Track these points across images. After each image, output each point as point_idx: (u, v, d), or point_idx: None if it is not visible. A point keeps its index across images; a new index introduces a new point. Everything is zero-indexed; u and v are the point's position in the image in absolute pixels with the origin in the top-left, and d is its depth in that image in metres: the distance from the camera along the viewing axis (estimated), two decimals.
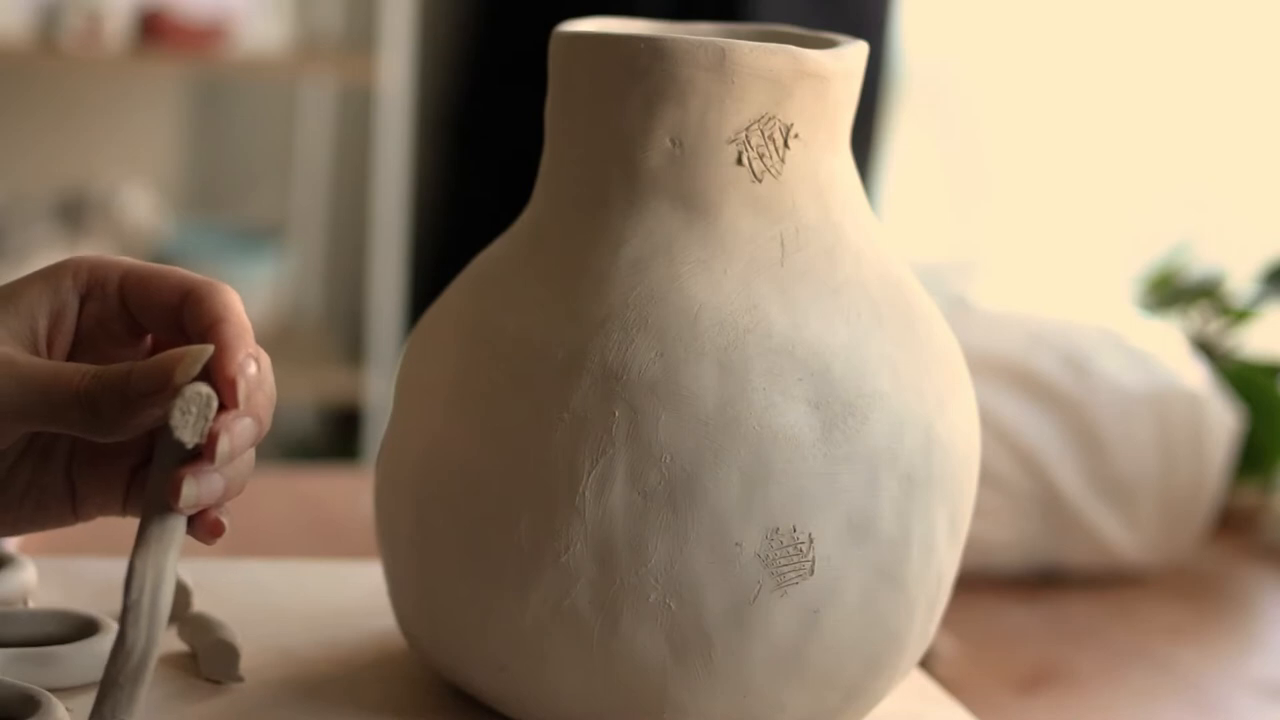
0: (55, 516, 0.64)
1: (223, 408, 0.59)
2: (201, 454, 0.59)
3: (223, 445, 0.58)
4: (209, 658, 0.71)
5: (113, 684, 0.58)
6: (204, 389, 0.58)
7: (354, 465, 2.38)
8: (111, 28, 2.47)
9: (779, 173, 0.68)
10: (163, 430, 0.59)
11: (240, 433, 0.59)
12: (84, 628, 0.71)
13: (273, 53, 2.63)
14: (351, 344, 2.74)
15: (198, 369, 0.59)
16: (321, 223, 2.85)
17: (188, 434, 0.58)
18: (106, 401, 0.59)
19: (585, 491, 0.64)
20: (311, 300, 2.87)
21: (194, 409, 0.58)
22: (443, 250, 2.69)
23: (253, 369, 0.60)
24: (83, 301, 0.63)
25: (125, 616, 0.58)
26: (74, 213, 2.57)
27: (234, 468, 0.60)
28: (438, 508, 0.67)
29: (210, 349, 0.59)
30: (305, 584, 0.83)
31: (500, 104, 2.59)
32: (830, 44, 0.70)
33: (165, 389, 0.58)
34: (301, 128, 2.81)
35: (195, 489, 0.58)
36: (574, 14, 0.76)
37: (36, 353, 0.62)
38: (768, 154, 0.68)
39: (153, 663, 0.58)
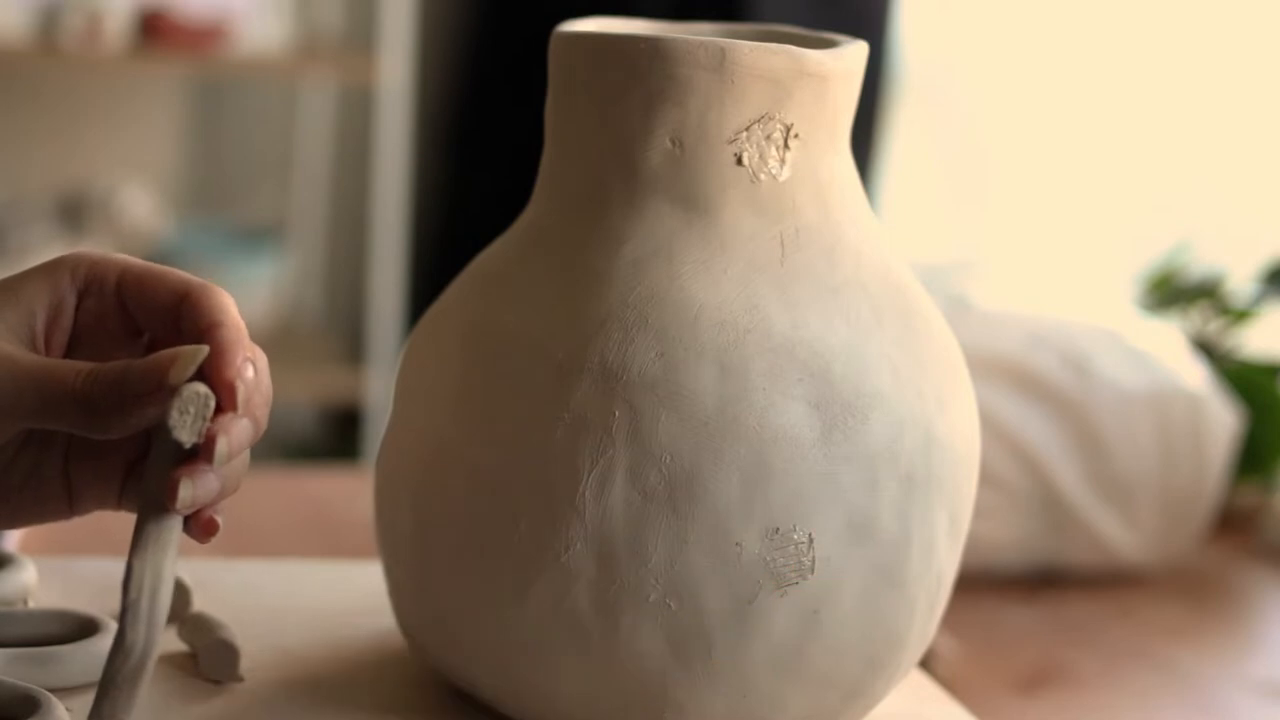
0: (52, 510, 0.64)
1: (220, 409, 0.59)
2: (197, 453, 0.59)
3: (221, 446, 0.59)
4: (209, 658, 0.71)
5: (111, 683, 0.58)
6: (202, 389, 0.58)
7: (354, 465, 2.38)
8: (111, 28, 2.47)
9: (779, 173, 0.68)
10: (159, 429, 0.59)
11: (238, 434, 0.59)
12: (84, 628, 0.71)
13: (273, 53, 2.63)
14: (351, 344, 2.74)
15: (192, 370, 0.59)
16: (321, 223, 2.85)
17: (185, 434, 0.58)
18: (102, 400, 0.59)
19: (585, 491, 0.64)
20: (311, 300, 2.86)
21: (192, 409, 0.58)
22: (443, 250, 2.69)
23: (250, 372, 0.60)
24: (80, 298, 0.63)
25: (124, 616, 0.58)
26: (74, 213, 2.57)
27: (230, 468, 0.60)
28: (438, 508, 0.67)
29: (205, 350, 0.59)
30: (305, 584, 0.83)
31: (500, 104, 2.59)
32: (830, 44, 0.70)
33: (160, 389, 0.59)
34: (301, 128, 2.81)
35: (191, 490, 0.59)
36: (574, 14, 0.76)
37: (34, 348, 0.62)
38: (768, 154, 0.68)
39: (152, 663, 0.58)
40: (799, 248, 0.68)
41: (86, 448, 0.64)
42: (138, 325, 0.64)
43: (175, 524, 0.59)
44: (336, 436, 2.78)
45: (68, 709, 0.65)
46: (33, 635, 0.71)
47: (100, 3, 2.47)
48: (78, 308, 0.63)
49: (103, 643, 0.69)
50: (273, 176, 2.84)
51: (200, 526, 0.60)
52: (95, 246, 2.49)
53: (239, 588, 0.81)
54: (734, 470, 0.64)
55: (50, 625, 0.72)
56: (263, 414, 0.61)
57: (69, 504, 0.65)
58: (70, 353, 0.64)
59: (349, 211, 2.77)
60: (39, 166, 2.72)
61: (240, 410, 0.59)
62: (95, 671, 0.68)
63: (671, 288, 0.66)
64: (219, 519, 0.61)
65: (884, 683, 0.69)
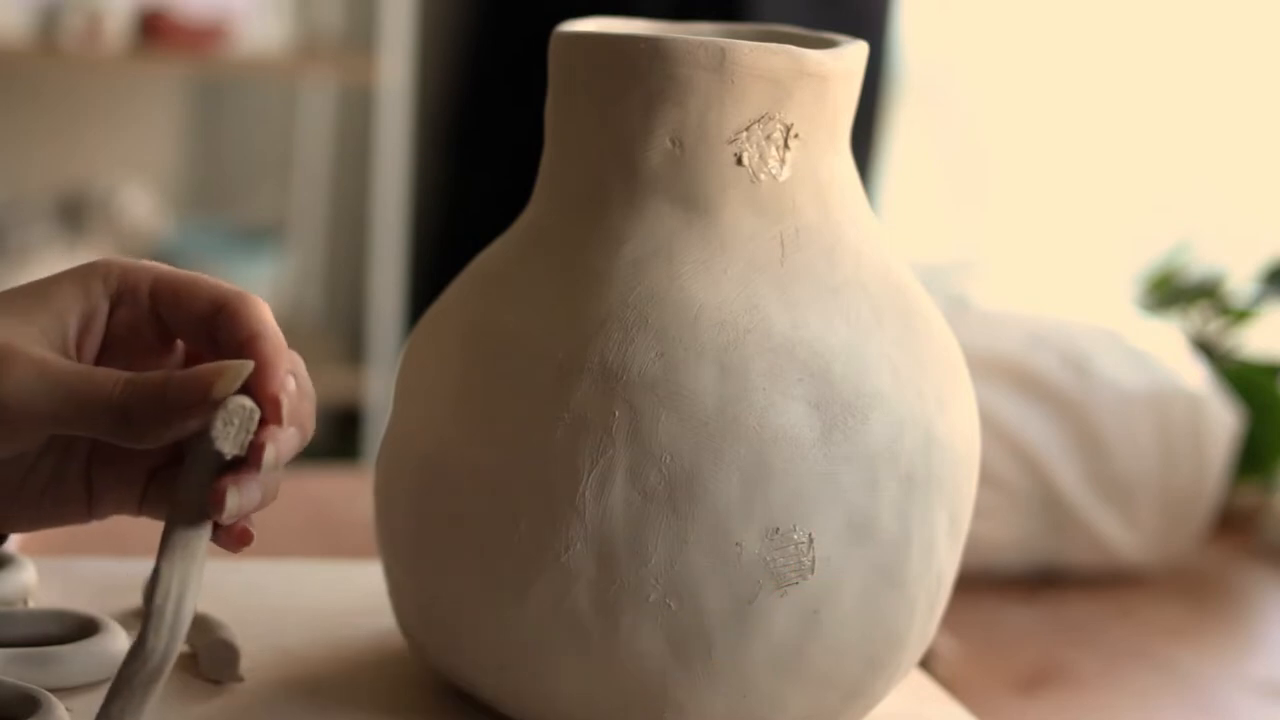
0: (73, 514, 0.64)
1: (263, 421, 0.59)
2: (236, 464, 0.58)
3: (269, 455, 0.58)
4: (209, 658, 0.71)
5: (126, 685, 0.58)
6: (248, 403, 0.58)
7: (354, 465, 2.38)
8: (111, 28, 2.47)
9: (779, 173, 0.68)
10: (196, 439, 0.59)
11: (286, 441, 0.59)
12: (84, 628, 0.71)
13: (273, 53, 2.63)
14: (351, 344, 2.74)
15: (237, 384, 0.58)
16: (321, 223, 2.85)
17: (228, 445, 0.58)
18: (140, 410, 0.58)
19: (585, 491, 0.64)
20: (311, 300, 2.87)
21: (236, 421, 0.58)
22: (443, 250, 2.69)
23: (293, 384, 0.60)
24: (113, 306, 0.62)
25: (147, 622, 0.57)
26: (74, 213, 2.57)
27: (270, 477, 0.59)
28: (438, 508, 0.67)
29: (250, 365, 0.59)
30: (305, 584, 0.83)
31: (500, 104, 2.59)
32: (830, 44, 0.70)
33: (203, 402, 0.58)
34: (301, 128, 2.81)
35: (238, 499, 0.58)
36: (574, 14, 0.76)
37: (66, 355, 0.61)
38: (768, 154, 0.68)
39: (168, 671, 0.58)
40: (799, 248, 0.68)
41: (109, 453, 0.63)
42: (170, 334, 0.63)
43: (205, 532, 0.59)
44: (336, 436, 2.78)
45: (68, 709, 0.65)
46: (33, 635, 0.71)
47: (100, 3, 2.47)
48: (110, 316, 0.62)
49: (103, 643, 0.69)
50: (273, 176, 2.84)
51: (235, 536, 0.60)
52: (95, 247, 2.49)
53: (240, 588, 0.81)
54: (734, 470, 0.64)
55: (50, 625, 0.72)
56: (309, 421, 0.61)
57: (88, 508, 0.64)
58: (100, 361, 0.63)
59: (349, 211, 2.77)
60: (39, 166, 2.72)
61: (286, 421, 0.59)
62: (95, 671, 0.68)
63: (671, 288, 0.66)
64: (252, 529, 0.60)
65: (884, 683, 0.69)
